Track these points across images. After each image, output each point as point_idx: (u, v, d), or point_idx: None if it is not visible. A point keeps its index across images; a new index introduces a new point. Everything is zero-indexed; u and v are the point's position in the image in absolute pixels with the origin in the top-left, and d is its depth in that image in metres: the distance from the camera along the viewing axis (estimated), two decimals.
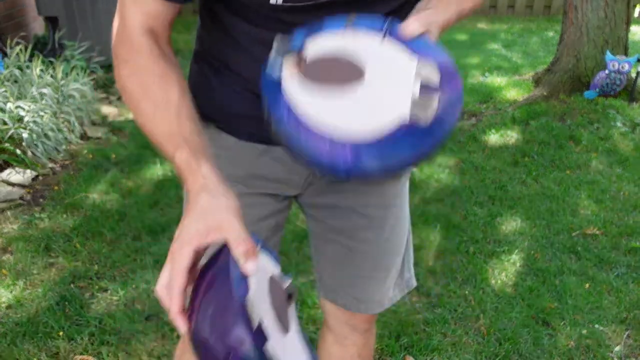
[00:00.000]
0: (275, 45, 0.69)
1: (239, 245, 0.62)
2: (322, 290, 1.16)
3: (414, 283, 1.18)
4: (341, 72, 0.67)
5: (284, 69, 0.67)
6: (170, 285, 0.62)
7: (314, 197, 1.03)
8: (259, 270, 0.63)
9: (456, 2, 0.80)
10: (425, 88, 0.64)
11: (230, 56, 0.88)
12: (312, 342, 1.40)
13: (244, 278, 0.59)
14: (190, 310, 0.59)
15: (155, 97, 0.75)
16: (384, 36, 0.69)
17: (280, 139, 0.66)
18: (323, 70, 0.67)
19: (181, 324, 0.60)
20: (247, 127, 0.92)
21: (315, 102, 0.65)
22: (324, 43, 0.69)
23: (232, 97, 0.91)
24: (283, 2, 0.75)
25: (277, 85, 0.67)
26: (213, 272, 0.60)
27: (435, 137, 0.63)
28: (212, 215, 0.64)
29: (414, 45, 0.68)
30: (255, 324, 0.56)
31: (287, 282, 0.69)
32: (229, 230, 0.63)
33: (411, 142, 0.63)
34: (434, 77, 0.65)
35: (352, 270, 1.08)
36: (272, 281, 0.67)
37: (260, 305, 0.60)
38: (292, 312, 0.69)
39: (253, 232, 0.66)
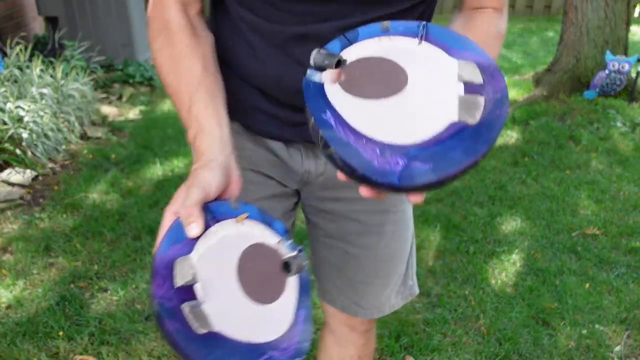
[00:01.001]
0: (312, 57, 0.67)
1: (182, 209, 0.64)
2: (320, 292, 1.16)
3: (417, 291, 1.16)
4: (384, 78, 0.66)
5: (324, 78, 0.66)
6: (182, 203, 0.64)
7: (311, 200, 1.03)
8: (235, 236, 0.66)
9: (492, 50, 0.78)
10: (469, 87, 0.63)
11: (235, 49, 0.89)
12: (313, 343, 1.40)
13: (189, 239, 0.63)
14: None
15: (180, 71, 0.79)
16: (421, 40, 0.68)
17: (325, 147, 0.62)
18: (365, 77, 0.66)
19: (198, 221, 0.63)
20: (245, 118, 0.93)
21: (361, 109, 0.64)
22: (362, 51, 0.69)
23: (234, 86, 0.91)
24: None
25: (320, 91, 0.66)
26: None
27: (487, 137, 0.60)
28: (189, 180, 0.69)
29: (452, 47, 0.68)
30: (178, 283, 0.59)
31: (290, 253, 0.69)
32: (182, 197, 0.66)
33: (462, 144, 0.60)
34: (477, 76, 0.64)
35: (350, 275, 1.07)
36: (256, 248, 0.67)
37: (211, 267, 0.63)
38: (291, 283, 0.69)
39: (245, 201, 0.70)
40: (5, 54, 3.48)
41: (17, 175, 2.75)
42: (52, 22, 4.37)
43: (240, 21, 0.85)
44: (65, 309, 1.92)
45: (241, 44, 0.86)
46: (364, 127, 0.62)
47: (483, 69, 0.65)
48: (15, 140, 2.81)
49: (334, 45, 0.70)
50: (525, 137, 3.56)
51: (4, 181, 2.71)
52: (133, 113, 3.92)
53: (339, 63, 0.67)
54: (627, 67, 3.88)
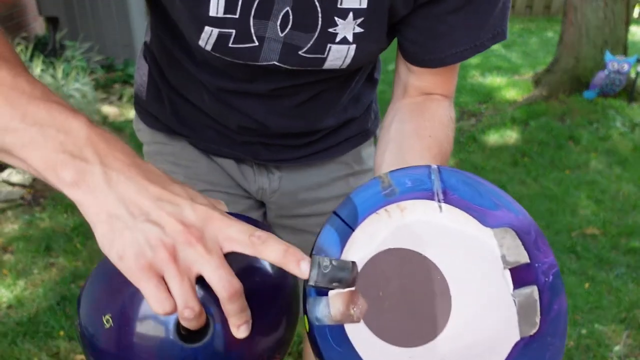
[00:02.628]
0: (312, 275, 0.45)
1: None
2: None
3: None
4: (418, 294, 0.46)
5: (334, 309, 0.45)
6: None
7: (270, 214, 1.02)
8: None
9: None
10: (516, 273, 0.46)
11: (175, 78, 0.86)
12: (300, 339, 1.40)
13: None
14: None
15: None
16: (439, 202, 0.48)
17: None
18: (393, 298, 0.45)
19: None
20: (194, 135, 0.91)
21: (399, 352, 0.45)
22: (372, 242, 0.47)
23: (179, 104, 0.89)
24: (211, 50, 0.70)
25: (347, 349, 0.45)
26: None
27: (555, 347, 0.45)
28: None
29: (477, 203, 0.48)
30: None
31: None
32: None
33: None
34: (521, 253, 0.46)
35: None
36: None
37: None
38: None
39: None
40: None
41: (18, 175, 2.76)
42: (52, 22, 4.37)
43: (177, 60, 0.82)
44: (65, 308, 1.93)
45: (180, 77, 0.84)
46: None
47: (523, 235, 0.47)
48: None
49: (329, 238, 0.47)
50: (525, 137, 3.56)
51: (4, 181, 2.71)
52: (133, 113, 3.92)
53: (349, 278, 0.45)
54: (626, 67, 3.89)
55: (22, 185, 2.73)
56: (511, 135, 3.60)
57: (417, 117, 0.72)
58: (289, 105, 0.82)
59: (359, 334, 0.45)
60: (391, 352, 0.44)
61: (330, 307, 0.45)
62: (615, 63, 3.89)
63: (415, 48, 0.72)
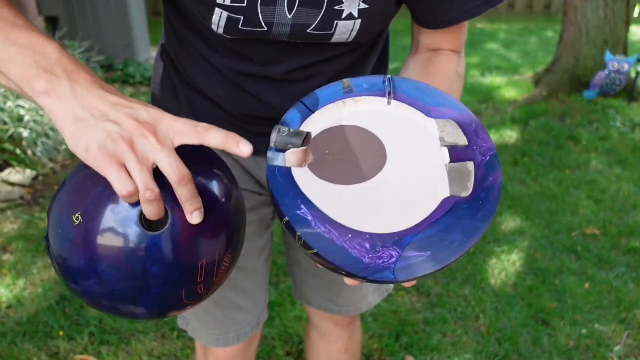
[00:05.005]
0: (273, 138, 0.57)
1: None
2: (295, 292, 1.17)
3: (391, 287, 1.18)
4: (359, 154, 0.57)
5: (289, 162, 0.57)
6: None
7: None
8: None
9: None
10: (454, 152, 0.56)
11: (190, 69, 0.88)
12: (300, 340, 1.42)
13: None
14: None
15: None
16: (389, 98, 0.60)
17: (305, 247, 0.53)
18: (337, 155, 0.57)
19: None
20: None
21: (341, 196, 0.55)
22: (326, 120, 0.60)
23: (191, 98, 0.90)
24: (223, 33, 0.74)
25: (288, 179, 0.56)
26: None
27: (485, 212, 0.53)
28: None
29: (425, 102, 0.59)
30: None
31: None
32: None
33: (460, 222, 0.53)
34: (461, 137, 0.57)
35: (322, 275, 1.08)
36: None
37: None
38: None
39: None
40: None
41: (18, 175, 2.76)
42: (52, 22, 4.37)
43: (194, 48, 0.84)
44: (65, 308, 1.93)
45: (197, 68, 0.86)
46: (347, 219, 0.53)
47: (465, 126, 0.57)
48: (16, 140, 2.81)
49: (292, 117, 0.60)
50: (525, 137, 3.56)
51: (4, 181, 2.71)
52: None
53: (305, 140, 0.57)
54: (626, 67, 3.89)
55: (22, 185, 2.72)
56: (511, 135, 3.60)
57: (422, 72, 0.76)
58: (303, 90, 0.83)
59: (300, 173, 0.56)
60: (326, 186, 0.56)
61: (285, 161, 0.57)
62: (615, 63, 3.89)
63: (424, 13, 0.75)
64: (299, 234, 0.53)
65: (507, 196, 2.84)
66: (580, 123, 3.72)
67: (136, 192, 0.52)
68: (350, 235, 0.53)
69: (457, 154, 0.56)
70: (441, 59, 0.77)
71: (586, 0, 4.04)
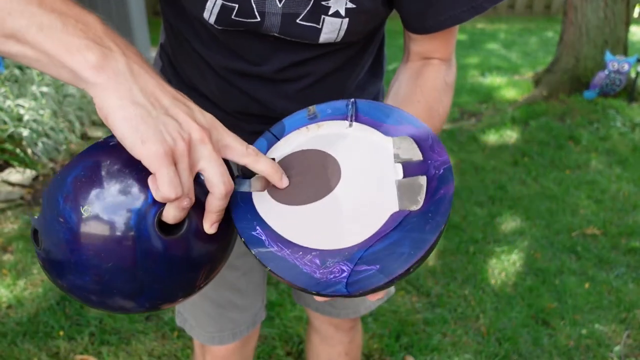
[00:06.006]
0: (238, 165, 0.60)
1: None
2: (295, 294, 1.17)
3: (393, 290, 1.18)
4: (315, 175, 0.60)
5: (254, 187, 0.60)
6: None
7: None
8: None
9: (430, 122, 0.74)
10: (408, 167, 0.58)
11: (183, 64, 0.88)
12: (300, 340, 1.42)
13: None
14: None
15: None
16: (351, 121, 0.63)
17: (261, 264, 0.57)
18: (296, 178, 0.60)
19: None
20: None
21: (294, 216, 0.58)
22: (289, 146, 0.63)
23: (188, 97, 0.91)
24: (214, 22, 0.74)
25: (248, 203, 0.60)
26: None
27: (433, 224, 0.54)
28: None
29: (385, 122, 0.62)
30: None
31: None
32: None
33: (409, 235, 0.54)
34: (415, 152, 0.59)
35: None
36: None
37: None
38: None
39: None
40: None
41: (18, 175, 2.76)
42: None
43: (189, 45, 0.84)
44: (65, 308, 1.93)
45: (191, 65, 0.86)
46: (299, 237, 0.57)
47: (421, 142, 0.59)
48: (16, 140, 2.81)
49: (259, 145, 0.64)
50: (525, 137, 3.57)
51: (4, 181, 2.71)
52: None
53: None
54: (626, 67, 3.89)
55: (22, 185, 2.72)
56: (511, 135, 3.60)
57: (411, 83, 0.76)
58: (294, 89, 0.83)
59: (260, 197, 0.60)
60: (282, 208, 0.59)
61: (251, 186, 0.59)
62: (615, 63, 3.89)
63: (412, 17, 0.75)
64: (254, 252, 0.57)
65: (507, 196, 2.84)
66: (580, 123, 3.72)
67: (180, 196, 0.49)
68: (300, 253, 0.56)
69: (411, 169, 0.58)
70: (430, 70, 0.78)
71: (586, 0, 4.04)
